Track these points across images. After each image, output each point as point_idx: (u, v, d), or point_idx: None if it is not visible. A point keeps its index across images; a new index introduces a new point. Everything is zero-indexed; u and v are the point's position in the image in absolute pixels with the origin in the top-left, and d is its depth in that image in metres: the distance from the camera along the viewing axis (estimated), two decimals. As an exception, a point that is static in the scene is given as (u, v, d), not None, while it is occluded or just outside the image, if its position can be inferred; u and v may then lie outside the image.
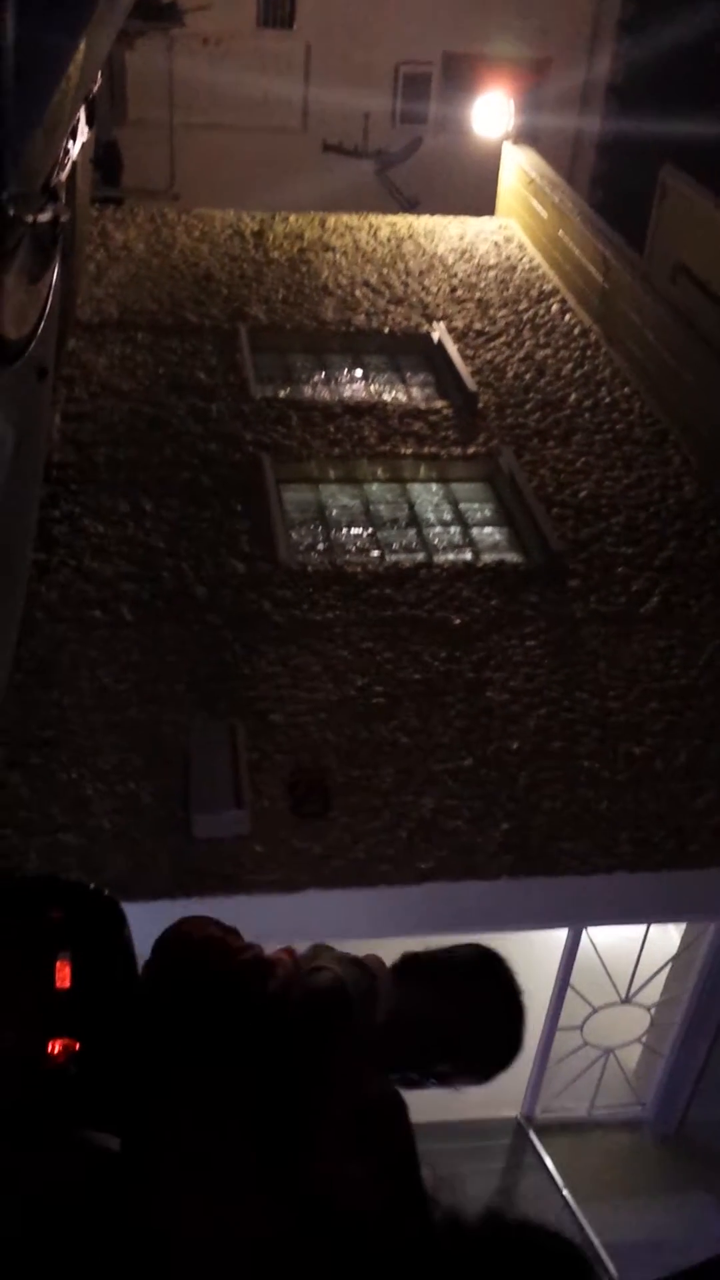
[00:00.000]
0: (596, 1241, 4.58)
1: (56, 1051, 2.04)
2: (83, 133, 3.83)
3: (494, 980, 1.95)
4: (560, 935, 4.83)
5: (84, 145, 4.28)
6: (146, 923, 2.25)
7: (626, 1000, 5.09)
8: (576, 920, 4.64)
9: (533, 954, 5.32)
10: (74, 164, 3.97)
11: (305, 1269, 1.43)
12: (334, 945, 2.04)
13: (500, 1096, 5.25)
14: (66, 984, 2.02)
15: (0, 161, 2.07)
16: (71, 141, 3.42)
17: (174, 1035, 1.72)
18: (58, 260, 3.17)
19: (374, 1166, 1.60)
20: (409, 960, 1.90)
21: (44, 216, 2.71)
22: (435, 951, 1.94)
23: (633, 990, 5.07)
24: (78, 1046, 2.03)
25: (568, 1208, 4.74)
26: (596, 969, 4.95)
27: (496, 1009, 1.94)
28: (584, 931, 4.77)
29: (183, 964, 1.82)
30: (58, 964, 2.03)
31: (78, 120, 3.58)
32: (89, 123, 4.16)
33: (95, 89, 3.85)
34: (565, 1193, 4.86)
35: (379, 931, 4.41)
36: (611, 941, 4.97)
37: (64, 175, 3.23)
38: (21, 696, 4.44)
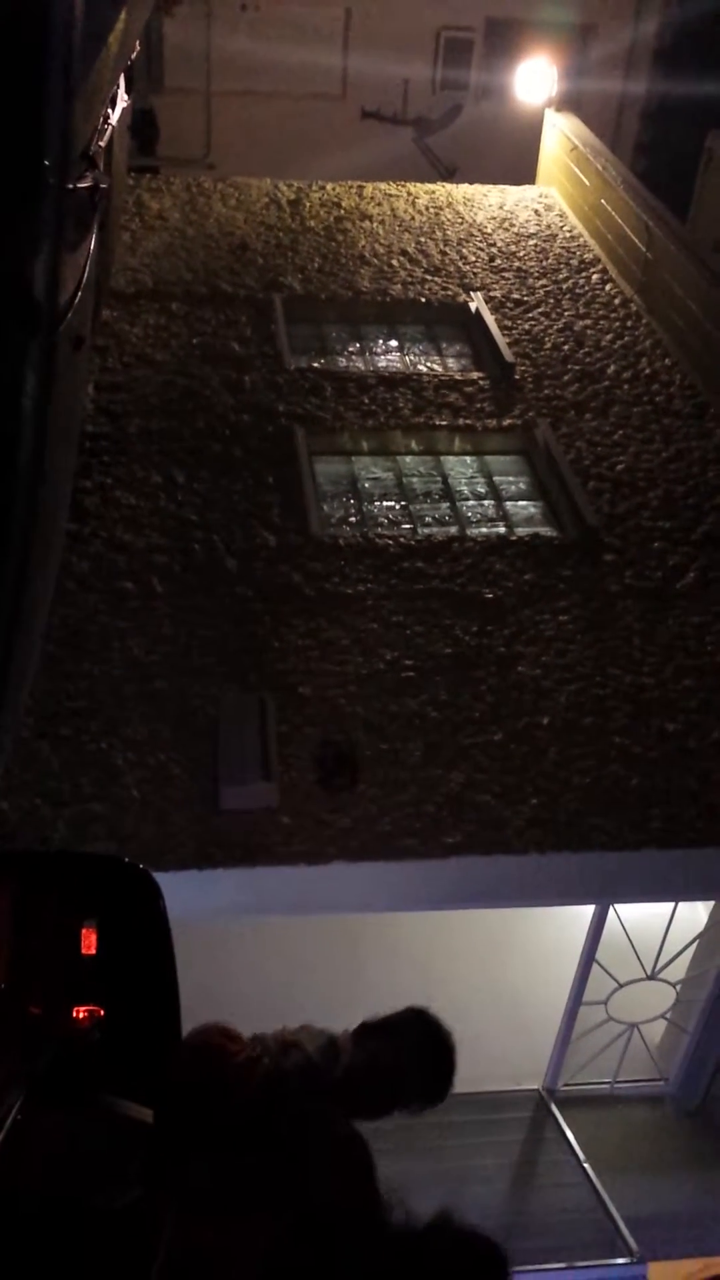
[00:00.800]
0: (617, 1215, 4.60)
1: (81, 1017, 2.07)
2: (122, 100, 3.81)
3: (426, 1035, 2.44)
4: (587, 910, 4.82)
5: (121, 113, 4.25)
6: (175, 892, 2.26)
7: (652, 976, 5.08)
8: (604, 896, 4.62)
9: (559, 928, 5.34)
10: (112, 132, 3.95)
11: (300, 1264, 1.75)
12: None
13: (523, 1069, 5.27)
14: (92, 950, 2.05)
15: (42, 128, 2.05)
16: (110, 109, 3.39)
17: (188, 1120, 1.96)
18: (95, 228, 3.16)
19: (345, 1183, 2.03)
20: (363, 1027, 2.39)
21: (83, 184, 2.69)
22: (382, 1018, 2.43)
23: (659, 966, 5.06)
24: (102, 1013, 2.05)
25: (588, 1181, 4.76)
26: (623, 944, 4.94)
27: (427, 1058, 2.41)
28: (611, 907, 4.76)
29: (191, 1067, 2.04)
30: (84, 931, 2.05)
31: (117, 88, 3.55)
32: (127, 90, 4.14)
33: (133, 56, 3.82)
34: (586, 1166, 4.88)
35: (405, 905, 4.44)
36: (638, 917, 4.95)
37: (103, 143, 3.21)
38: (52, 667, 4.47)
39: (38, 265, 2.52)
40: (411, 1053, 2.44)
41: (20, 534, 2.22)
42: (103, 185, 2.97)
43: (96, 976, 2.10)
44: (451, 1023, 5.14)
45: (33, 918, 2.20)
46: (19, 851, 3.41)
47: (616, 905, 4.76)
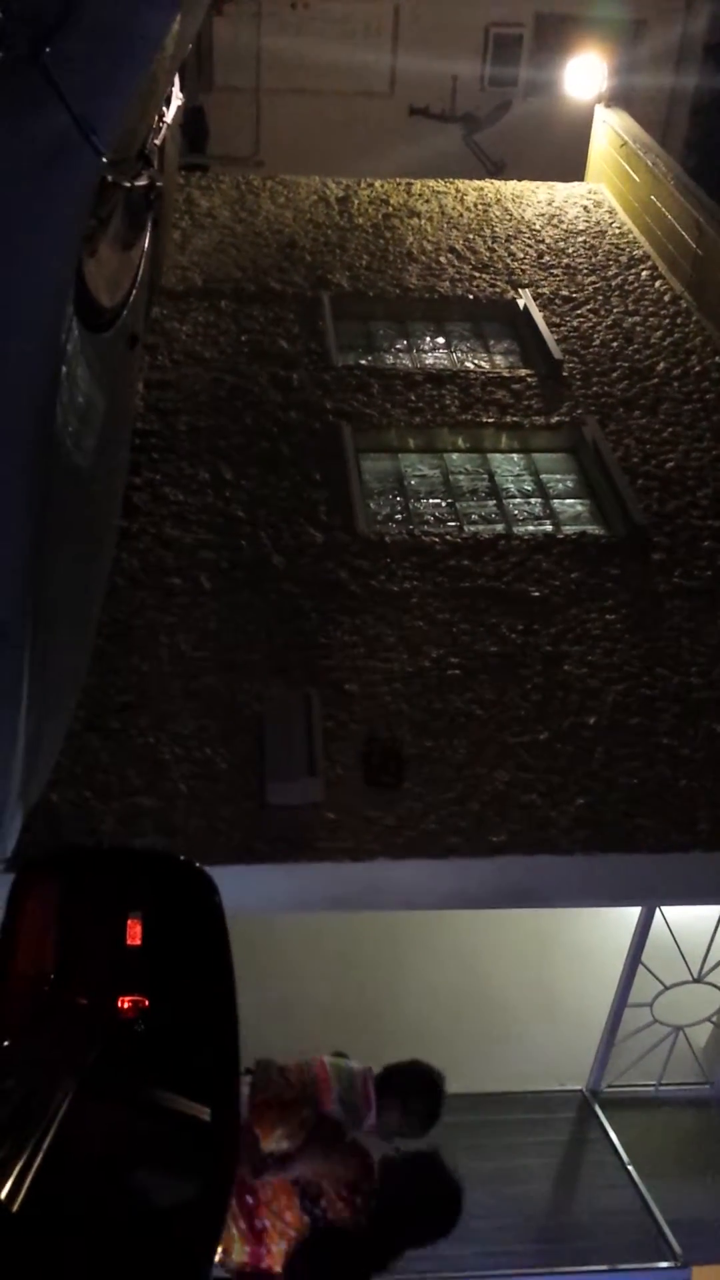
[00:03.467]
0: (660, 1218, 4.57)
1: (126, 1007, 2.08)
2: (176, 99, 3.84)
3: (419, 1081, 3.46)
4: (633, 912, 4.78)
5: (175, 112, 4.28)
6: (221, 886, 2.28)
7: (699, 979, 5.03)
8: (651, 898, 4.59)
9: (605, 929, 5.31)
10: (166, 131, 3.98)
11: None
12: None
13: (567, 1070, 5.25)
14: (137, 941, 2.06)
15: (95, 129, 2.08)
16: (165, 108, 3.42)
17: None
18: (150, 227, 3.19)
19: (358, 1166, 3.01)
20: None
21: (139, 183, 2.72)
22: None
23: (705, 969, 5.01)
24: (147, 1003, 2.07)
25: (632, 1183, 4.73)
26: (669, 946, 4.90)
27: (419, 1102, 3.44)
28: (658, 909, 4.72)
29: None
30: (129, 922, 2.07)
31: (171, 88, 3.58)
32: (180, 89, 4.17)
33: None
34: (630, 1168, 4.85)
35: (449, 903, 4.44)
36: (685, 919, 4.91)
37: (157, 141, 3.24)
38: (101, 662, 4.51)
39: (92, 262, 2.55)
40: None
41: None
42: (159, 184, 3.00)
43: (142, 967, 2.11)
44: (496, 1021, 5.17)
45: (80, 909, 2.22)
46: (76, 847, 3.45)
47: (663, 907, 4.72)
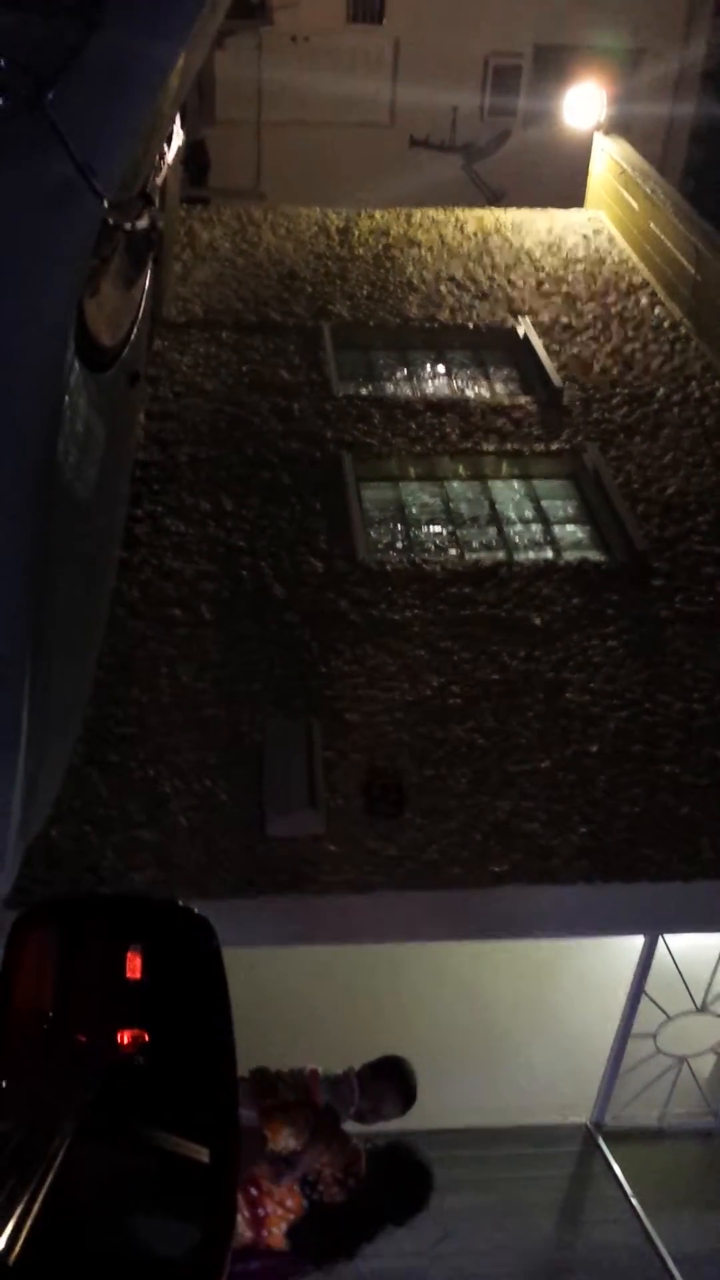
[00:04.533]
0: (665, 1252, 4.52)
1: (126, 1041, 2.07)
2: (177, 137, 3.88)
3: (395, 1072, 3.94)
4: (636, 941, 4.76)
5: (176, 149, 4.32)
6: (221, 919, 2.28)
7: (702, 1009, 5.00)
8: (654, 927, 4.57)
9: (608, 958, 5.27)
10: (167, 169, 4.01)
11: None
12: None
13: (570, 1102, 5.20)
14: (137, 974, 2.05)
15: (96, 172, 2.11)
16: (166, 146, 3.46)
17: None
18: (150, 265, 3.22)
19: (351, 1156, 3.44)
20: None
21: (140, 223, 2.75)
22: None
23: (709, 998, 4.98)
24: (147, 1037, 2.06)
25: (636, 1217, 4.68)
26: (672, 976, 4.87)
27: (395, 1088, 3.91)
28: (660, 939, 4.70)
29: None
30: (129, 954, 2.06)
31: (173, 125, 3.62)
32: (181, 125, 4.21)
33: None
34: (634, 1202, 4.81)
35: (451, 935, 4.42)
36: (688, 948, 4.88)
37: (159, 180, 3.27)
38: (101, 693, 4.51)
39: (93, 303, 2.57)
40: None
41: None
42: (159, 224, 3.02)
43: (141, 1001, 2.10)
44: (498, 1053, 5.13)
45: (78, 950, 2.21)
46: (75, 894, 3.44)
47: (666, 936, 4.69)
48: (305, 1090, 3.83)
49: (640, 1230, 4.57)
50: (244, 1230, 3.45)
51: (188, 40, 2.71)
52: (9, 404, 2.14)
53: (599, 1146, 5.05)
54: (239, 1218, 3.37)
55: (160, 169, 3.60)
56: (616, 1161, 4.95)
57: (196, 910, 1.92)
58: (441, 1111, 4.42)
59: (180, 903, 2.00)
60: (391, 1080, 3.98)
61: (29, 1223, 1.69)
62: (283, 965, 4.83)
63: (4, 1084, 1.81)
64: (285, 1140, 3.44)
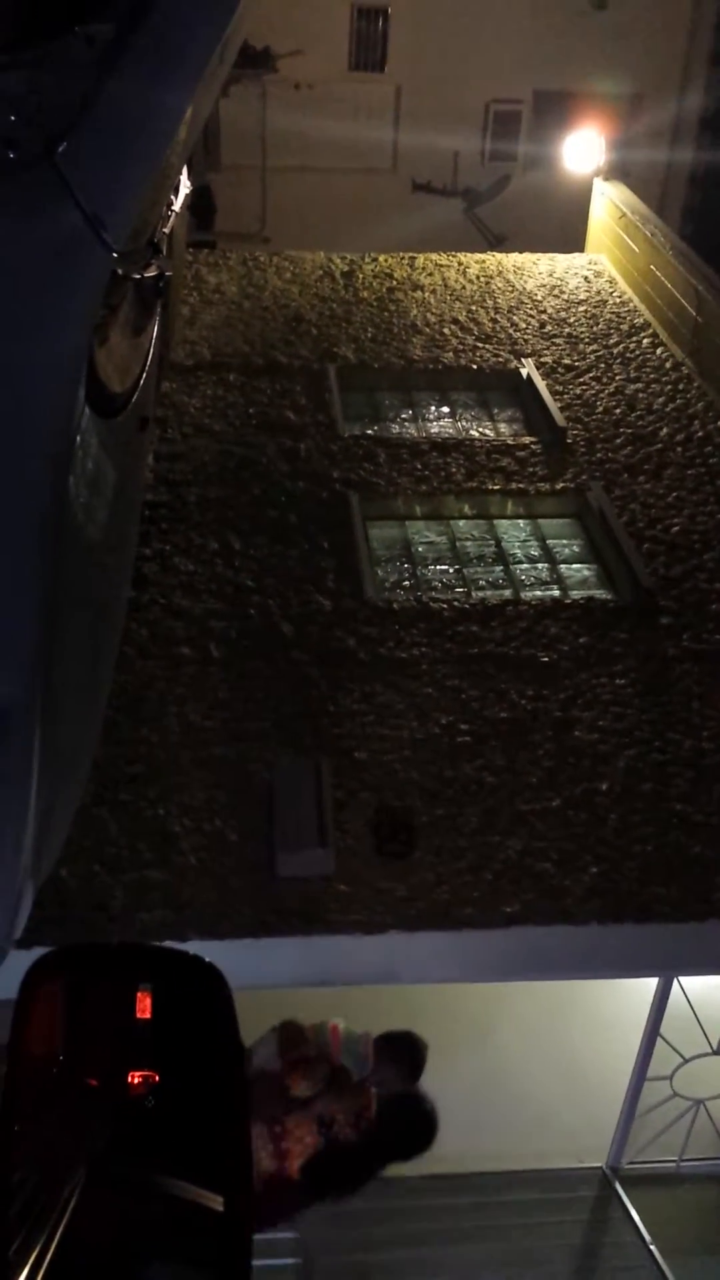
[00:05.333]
0: (685, 1300, 4.44)
1: (136, 1083, 2.06)
2: (184, 186, 3.94)
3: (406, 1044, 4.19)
4: (650, 983, 4.72)
5: (183, 199, 4.40)
6: (232, 960, 2.27)
7: (718, 1051, 4.94)
8: (667, 969, 4.53)
9: (622, 1000, 5.22)
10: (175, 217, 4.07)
11: None
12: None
13: (586, 1146, 5.13)
14: (147, 1015, 2.04)
15: (106, 224, 2.14)
16: (174, 195, 3.51)
17: None
18: (159, 312, 3.26)
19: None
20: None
21: (149, 273, 2.79)
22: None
23: (726, 1041, 4.93)
24: (157, 1078, 2.04)
25: (654, 1264, 4.60)
26: (688, 1018, 4.82)
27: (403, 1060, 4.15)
28: (675, 980, 4.66)
29: None
30: (139, 994, 2.05)
31: (181, 175, 3.68)
32: (188, 174, 4.28)
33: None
34: (652, 1247, 4.72)
35: (463, 976, 4.38)
36: (704, 989, 4.83)
37: (167, 229, 3.32)
38: (110, 732, 4.52)
39: (103, 351, 2.60)
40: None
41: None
42: (167, 273, 3.07)
43: (151, 1042, 2.09)
44: (513, 1095, 5.08)
45: (88, 997, 2.20)
46: (86, 945, 3.43)
47: (681, 978, 4.65)
48: (326, 1046, 4.21)
49: (659, 1277, 4.49)
50: (268, 1161, 3.85)
51: (196, 91, 2.75)
52: (21, 451, 2.16)
53: (615, 1191, 4.98)
54: (263, 1151, 3.82)
55: (168, 218, 3.66)
56: (633, 1206, 4.87)
57: (207, 960, 1.91)
58: (455, 1156, 4.36)
59: (190, 953, 1.99)
60: (402, 1052, 4.21)
61: (43, 1270, 1.68)
62: (293, 1006, 4.79)
63: (17, 1130, 1.79)
64: (302, 1090, 3.94)
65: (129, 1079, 2.07)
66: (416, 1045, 4.24)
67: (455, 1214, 3.57)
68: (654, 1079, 4.90)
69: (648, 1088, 4.92)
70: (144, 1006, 2.08)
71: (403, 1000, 5.32)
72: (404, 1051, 4.22)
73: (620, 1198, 4.94)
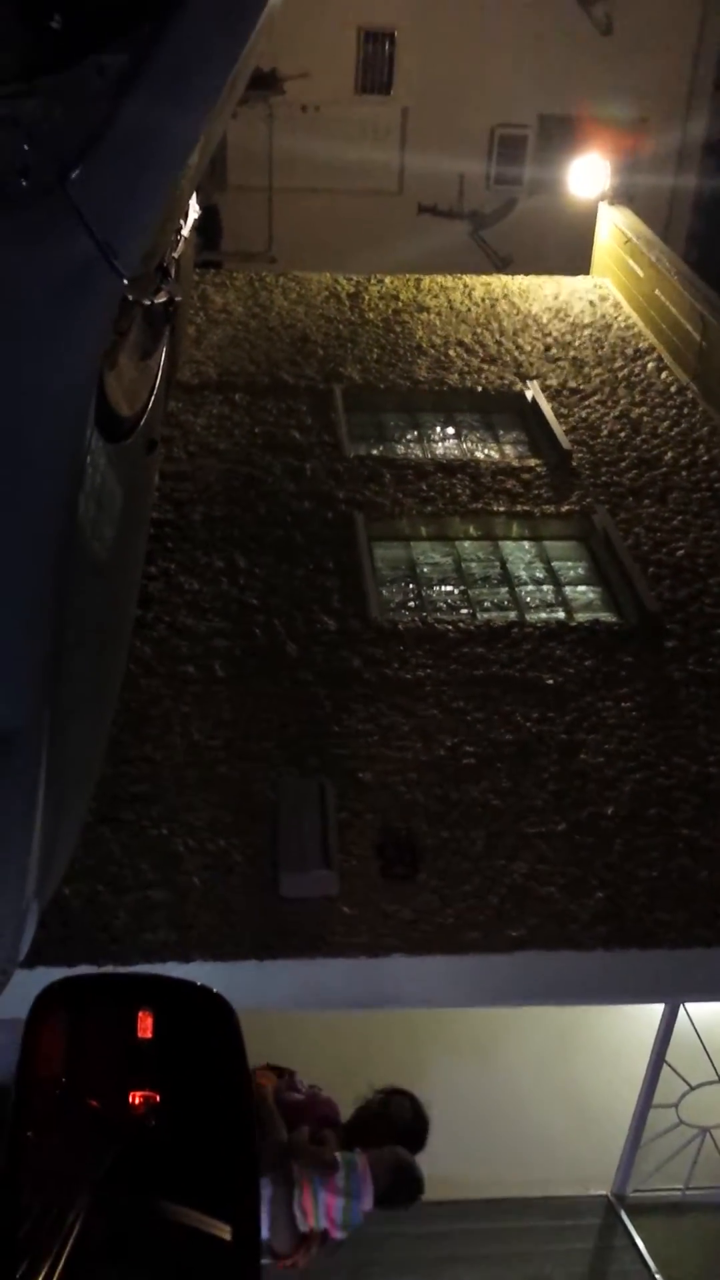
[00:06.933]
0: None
1: (137, 1103, 2.04)
2: (193, 211, 3.95)
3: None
4: (656, 1009, 4.68)
5: (192, 223, 4.41)
6: (235, 982, 2.26)
7: (725, 1078, 4.91)
8: (674, 995, 4.50)
9: (628, 1026, 5.19)
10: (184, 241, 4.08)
11: None
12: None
13: (590, 1174, 5.09)
14: (148, 1034, 2.03)
15: (117, 252, 2.15)
16: (184, 221, 3.52)
17: None
18: (167, 335, 3.27)
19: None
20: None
21: (159, 298, 2.79)
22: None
23: (732, 1068, 4.89)
24: (158, 1098, 2.03)
25: (661, 1294, 4.55)
26: (694, 1045, 4.78)
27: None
28: (681, 1006, 4.62)
29: None
30: (140, 1014, 2.03)
31: (190, 200, 3.69)
32: (197, 199, 4.29)
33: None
34: (658, 1276, 4.67)
35: (467, 1001, 4.36)
36: (711, 1016, 4.80)
37: (177, 254, 3.33)
38: (115, 752, 4.51)
39: (112, 376, 2.61)
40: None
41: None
42: (177, 298, 3.07)
43: (153, 1063, 2.08)
44: (517, 1121, 5.04)
45: (92, 1023, 2.19)
46: (94, 975, 3.41)
47: (687, 1004, 4.62)
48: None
49: (664, 1307, 4.45)
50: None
51: (210, 117, 2.76)
52: (31, 474, 2.16)
53: (621, 1219, 4.93)
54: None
55: (178, 243, 3.67)
56: (639, 1234, 4.82)
57: (215, 990, 1.90)
58: (459, 1181, 4.33)
59: (198, 983, 1.98)
60: (402, 1168, 4.02)
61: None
62: (296, 1029, 4.77)
63: (27, 1153, 1.78)
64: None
65: (130, 1099, 2.06)
66: (413, 1170, 4.03)
67: (458, 1240, 3.53)
68: (660, 1106, 4.86)
69: (653, 1115, 4.88)
70: (145, 1026, 2.06)
71: (407, 1025, 5.29)
72: (404, 1169, 4.03)
73: (625, 1225, 4.89)
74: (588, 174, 10.21)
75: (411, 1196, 3.99)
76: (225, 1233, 1.77)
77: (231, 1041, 1.83)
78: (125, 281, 2.20)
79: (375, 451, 7.03)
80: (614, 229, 9.67)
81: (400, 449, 7.16)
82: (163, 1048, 2.03)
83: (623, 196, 10.27)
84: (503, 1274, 4.34)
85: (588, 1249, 4.86)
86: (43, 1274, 1.74)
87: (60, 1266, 1.76)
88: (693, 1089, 4.87)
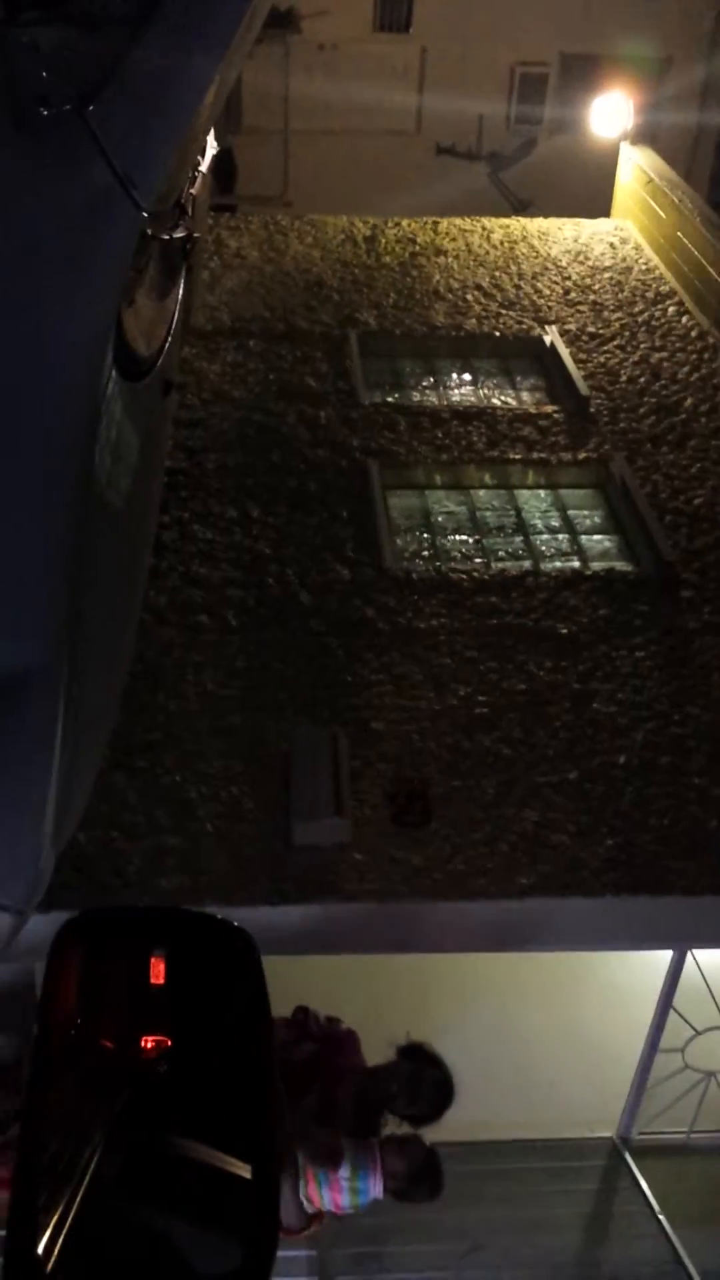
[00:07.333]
0: (693, 1269, 4.48)
1: (149, 1047, 2.07)
2: (211, 148, 3.89)
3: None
4: (664, 955, 4.72)
5: (209, 161, 4.34)
6: (247, 927, 2.27)
7: (731, 1024, 4.96)
8: (682, 942, 4.53)
9: (636, 971, 5.24)
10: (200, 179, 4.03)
11: None
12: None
13: (596, 1117, 5.17)
14: (160, 980, 2.05)
15: (136, 184, 2.11)
16: (201, 158, 3.47)
17: None
18: (184, 275, 3.23)
19: None
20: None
21: (176, 234, 2.75)
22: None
23: (738, 1014, 4.94)
24: (170, 1043, 2.05)
25: (663, 1233, 4.64)
26: (701, 990, 4.83)
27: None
28: (689, 953, 4.66)
29: None
30: (152, 960, 2.05)
31: (207, 137, 3.63)
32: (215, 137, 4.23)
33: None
34: (661, 1218, 4.76)
35: (477, 946, 4.39)
36: (717, 962, 4.84)
37: (194, 191, 3.28)
38: (128, 700, 4.52)
39: (130, 313, 2.58)
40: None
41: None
42: (195, 235, 3.03)
43: (166, 1008, 2.10)
44: (525, 1065, 5.08)
45: (111, 959, 2.21)
46: (114, 908, 3.44)
47: (695, 951, 4.66)
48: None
49: (667, 1246, 4.53)
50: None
51: (227, 53, 2.71)
52: (46, 412, 2.14)
53: (625, 1161, 5.01)
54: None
55: (195, 179, 3.61)
56: (643, 1177, 4.90)
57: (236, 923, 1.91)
58: (466, 1123, 4.39)
59: (219, 916, 2.00)
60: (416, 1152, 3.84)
61: (65, 1228, 1.70)
62: (307, 974, 4.82)
63: (47, 1089, 1.81)
64: None
65: (141, 1043, 2.09)
66: (436, 1167, 3.78)
67: (465, 1180, 3.59)
68: (666, 1051, 4.92)
69: (659, 1060, 4.94)
70: (158, 972, 2.08)
71: (417, 970, 5.35)
72: (426, 1168, 3.78)
73: (630, 1168, 4.98)
74: (609, 113, 9.98)
75: (433, 1193, 3.75)
76: (244, 1171, 1.81)
77: (252, 977, 1.85)
78: (144, 214, 2.16)
79: (391, 398, 6.95)
80: (636, 170, 9.47)
81: (416, 396, 7.08)
82: (179, 987, 2.05)
83: (645, 136, 10.04)
84: (509, 1214, 4.42)
85: (592, 1190, 4.95)
86: (61, 1205, 1.78)
87: (78, 1199, 1.80)
88: (699, 1034, 4.93)
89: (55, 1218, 1.72)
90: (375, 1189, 3.71)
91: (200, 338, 7.11)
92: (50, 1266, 1.58)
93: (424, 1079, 3.90)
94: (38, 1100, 1.82)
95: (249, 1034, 1.92)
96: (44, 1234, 1.66)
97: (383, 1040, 4.10)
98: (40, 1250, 1.60)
